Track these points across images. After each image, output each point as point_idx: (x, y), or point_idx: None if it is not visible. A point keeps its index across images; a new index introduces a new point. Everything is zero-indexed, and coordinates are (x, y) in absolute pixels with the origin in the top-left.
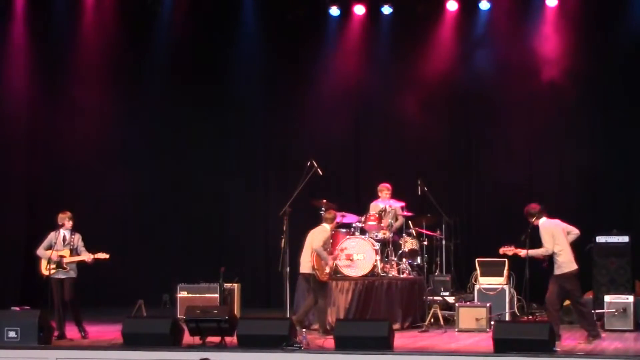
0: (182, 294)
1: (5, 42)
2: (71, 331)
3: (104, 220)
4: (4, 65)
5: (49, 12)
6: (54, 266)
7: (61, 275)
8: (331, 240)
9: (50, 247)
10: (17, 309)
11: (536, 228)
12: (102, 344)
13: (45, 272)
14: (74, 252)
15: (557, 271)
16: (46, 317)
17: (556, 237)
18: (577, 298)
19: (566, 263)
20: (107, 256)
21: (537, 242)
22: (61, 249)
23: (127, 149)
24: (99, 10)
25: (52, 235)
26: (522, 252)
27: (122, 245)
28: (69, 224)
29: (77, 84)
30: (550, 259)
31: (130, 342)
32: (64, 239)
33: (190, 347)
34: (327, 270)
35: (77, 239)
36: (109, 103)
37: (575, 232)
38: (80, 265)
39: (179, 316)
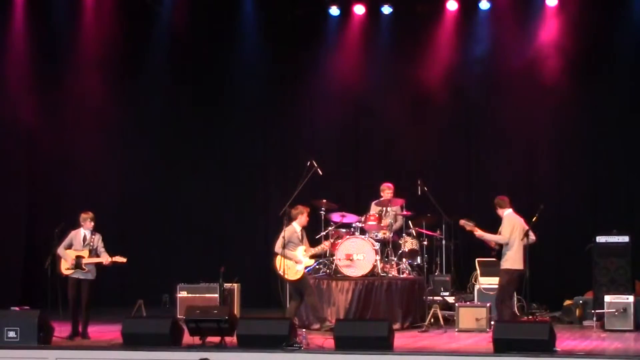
0: (182, 294)
1: (4, 42)
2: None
3: (104, 220)
4: (4, 65)
5: (48, 11)
6: (68, 266)
7: (80, 276)
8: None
9: (70, 246)
10: (17, 309)
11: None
12: (102, 344)
13: (64, 272)
14: (93, 252)
15: (503, 264)
16: (46, 317)
17: (515, 230)
18: (505, 297)
19: (513, 259)
20: (124, 260)
21: (538, 242)
22: (80, 249)
23: (127, 149)
24: (99, 9)
25: (72, 234)
26: (478, 232)
27: (122, 245)
28: (89, 224)
29: (77, 83)
30: (499, 250)
31: (130, 342)
32: (84, 239)
33: (190, 347)
34: (299, 267)
35: (97, 239)
36: (109, 102)
37: (532, 237)
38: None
39: (178, 316)
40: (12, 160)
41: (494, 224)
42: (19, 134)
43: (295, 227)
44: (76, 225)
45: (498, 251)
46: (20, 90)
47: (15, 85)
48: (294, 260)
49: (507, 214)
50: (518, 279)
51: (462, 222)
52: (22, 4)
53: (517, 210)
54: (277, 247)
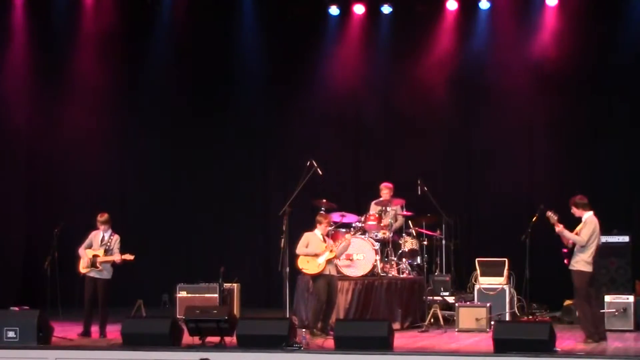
0: (182, 293)
1: (4, 40)
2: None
3: None
4: (3, 62)
5: (48, 11)
6: (85, 265)
7: (95, 275)
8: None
9: (90, 246)
10: (17, 309)
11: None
12: (102, 344)
13: (82, 271)
14: (108, 252)
15: (574, 265)
16: (45, 317)
17: (594, 236)
18: (580, 297)
19: (585, 262)
20: (132, 257)
21: (538, 242)
22: (97, 249)
23: (126, 148)
24: (98, 8)
25: (92, 235)
26: (559, 227)
27: (121, 245)
28: (102, 226)
29: (77, 82)
30: (571, 251)
31: (130, 342)
32: (102, 240)
33: (190, 347)
34: (320, 260)
35: (115, 240)
36: (108, 102)
37: (601, 240)
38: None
39: (178, 316)
40: (11, 160)
41: (494, 224)
42: (18, 133)
43: (317, 233)
44: (87, 225)
45: (570, 249)
46: (19, 90)
47: (14, 85)
48: (313, 254)
49: (590, 217)
50: (587, 280)
51: (549, 213)
52: (22, 5)
53: (516, 211)
54: (298, 249)
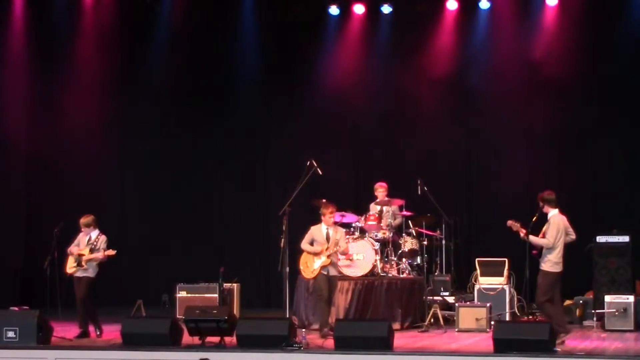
0: (182, 293)
1: (4, 41)
2: (71, 330)
3: (103, 220)
4: (3, 63)
5: (48, 11)
6: (72, 264)
7: (80, 274)
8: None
9: (78, 247)
10: (16, 309)
11: (539, 217)
12: (101, 344)
13: (68, 271)
14: (94, 251)
15: (543, 266)
16: (45, 317)
17: (560, 233)
18: (540, 297)
19: (553, 262)
20: (113, 252)
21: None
22: (83, 248)
23: (126, 150)
24: (98, 9)
25: (80, 235)
26: (522, 233)
27: (121, 245)
28: (85, 228)
29: (76, 83)
30: (540, 250)
31: (130, 342)
32: (89, 240)
33: (190, 347)
34: (315, 265)
35: (101, 240)
36: (108, 103)
37: (573, 236)
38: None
39: (178, 316)
40: (11, 160)
41: (494, 224)
42: (19, 137)
43: (322, 228)
44: (76, 225)
45: (539, 250)
46: (18, 90)
47: (13, 85)
48: (312, 254)
49: (554, 216)
50: (558, 281)
51: (509, 222)
52: (22, 6)
53: (516, 212)
54: (302, 244)
